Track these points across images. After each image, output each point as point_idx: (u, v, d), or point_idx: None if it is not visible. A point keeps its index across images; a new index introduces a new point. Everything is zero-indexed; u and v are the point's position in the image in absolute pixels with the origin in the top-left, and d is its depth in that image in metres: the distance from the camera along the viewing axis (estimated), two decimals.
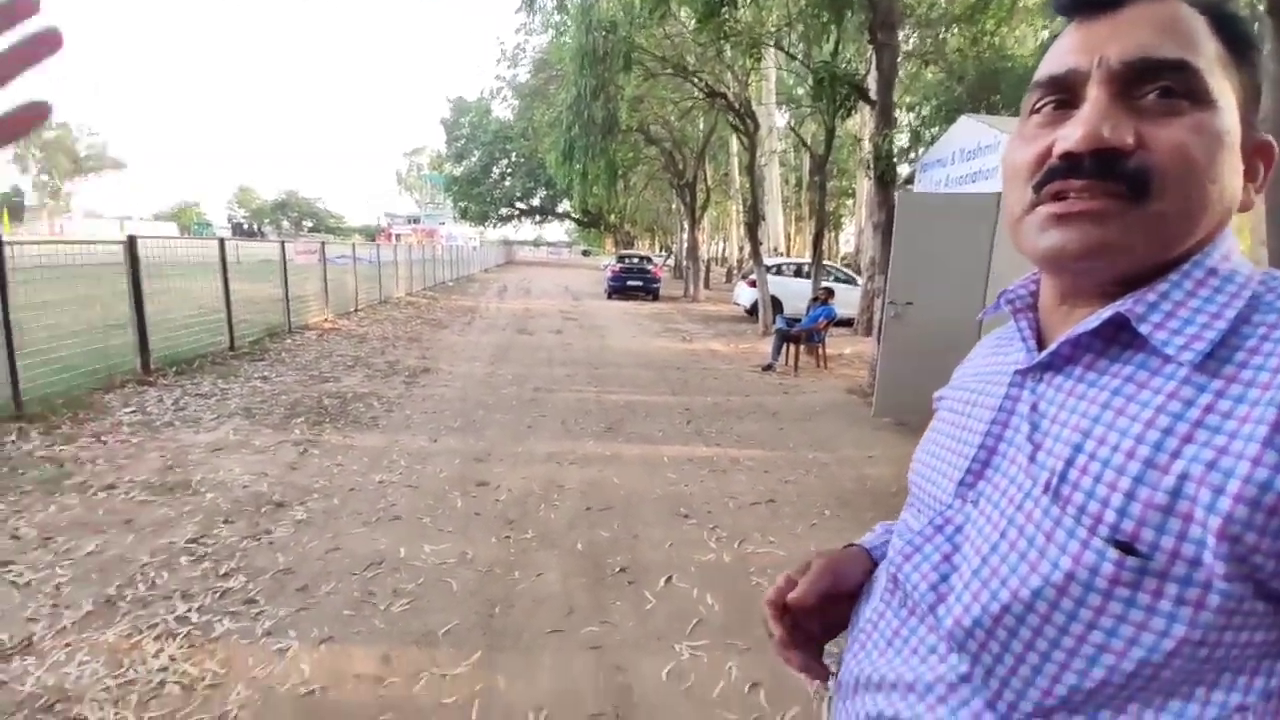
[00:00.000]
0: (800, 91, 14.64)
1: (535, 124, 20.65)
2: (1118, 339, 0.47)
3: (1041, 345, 0.53)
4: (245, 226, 63.20)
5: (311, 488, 3.54)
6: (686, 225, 20.14)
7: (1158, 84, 0.45)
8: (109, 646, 2.13)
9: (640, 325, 12.15)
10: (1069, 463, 0.46)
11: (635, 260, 19.10)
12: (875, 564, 0.67)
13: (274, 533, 2.99)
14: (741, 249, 24.06)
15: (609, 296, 17.85)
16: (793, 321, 8.47)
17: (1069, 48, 0.48)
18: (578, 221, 39.07)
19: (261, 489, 3.49)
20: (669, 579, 2.73)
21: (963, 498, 0.53)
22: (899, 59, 7.51)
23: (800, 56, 9.44)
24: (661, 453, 4.46)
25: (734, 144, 18.42)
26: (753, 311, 12.44)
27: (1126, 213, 0.45)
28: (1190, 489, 0.41)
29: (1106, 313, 0.47)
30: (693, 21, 8.70)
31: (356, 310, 11.50)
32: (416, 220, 58.86)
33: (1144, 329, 0.45)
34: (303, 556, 2.79)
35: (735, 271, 24.19)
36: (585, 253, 65.29)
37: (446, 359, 7.71)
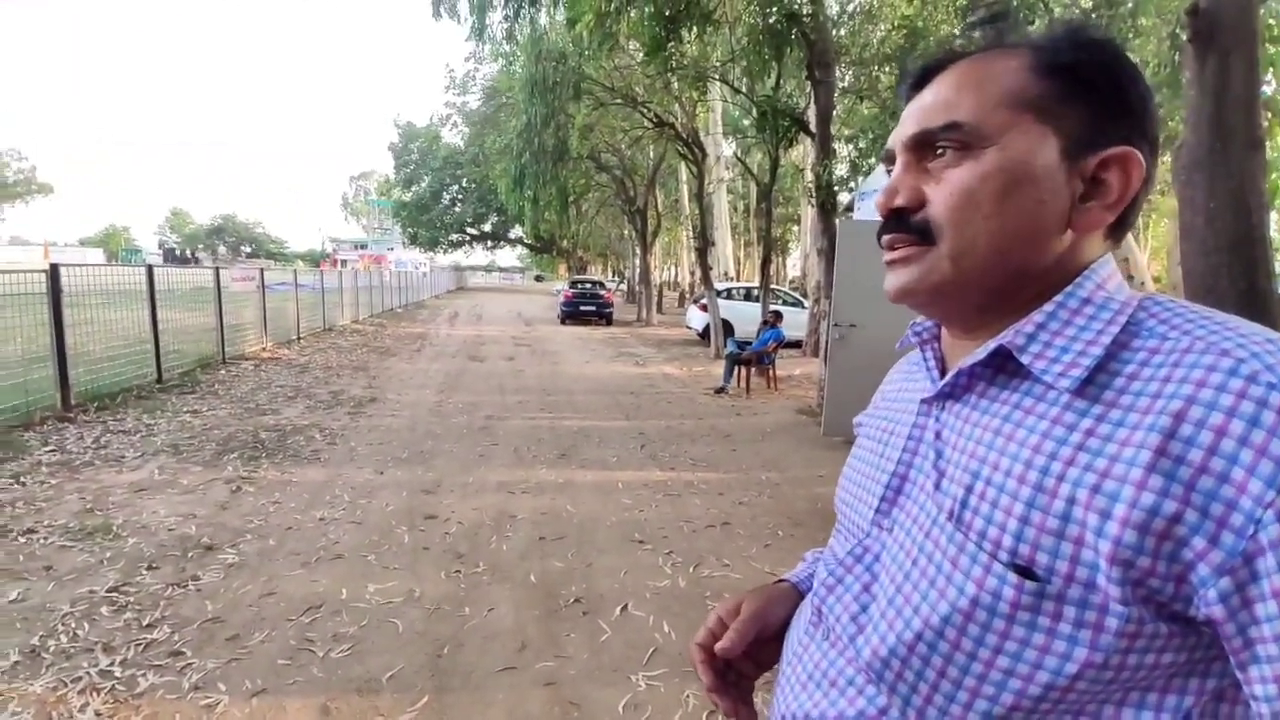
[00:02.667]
0: (745, 123, 15.15)
1: (486, 150, 20.63)
2: (1005, 368, 0.50)
3: (944, 375, 0.56)
4: (178, 252, 60.34)
5: (244, 528, 3.35)
6: (638, 251, 20.37)
7: (938, 146, 0.52)
8: (37, 698, 2.00)
9: (594, 350, 12.13)
10: (969, 489, 0.48)
11: (588, 285, 19.16)
12: (803, 597, 0.67)
13: (202, 579, 2.80)
14: (693, 274, 24.45)
15: (562, 322, 17.80)
16: (743, 344, 8.63)
17: (898, 128, 0.56)
18: (530, 247, 38.99)
19: (189, 531, 3.28)
20: (624, 607, 2.69)
21: (879, 525, 0.55)
22: (836, 94, 7.89)
23: (744, 90, 9.79)
24: (615, 478, 4.43)
25: (683, 172, 18.83)
26: (705, 335, 12.61)
27: (922, 256, 0.52)
28: (1078, 513, 0.42)
29: (992, 344, 0.50)
30: (641, 54, 8.93)
31: (299, 339, 11.09)
32: (363, 246, 57.46)
33: (1025, 359, 0.48)
34: (234, 603, 2.62)
35: (687, 296, 24.51)
36: (538, 278, 65.03)
37: (394, 388, 7.49)
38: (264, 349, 9.54)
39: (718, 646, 0.64)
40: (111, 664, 2.17)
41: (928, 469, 0.52)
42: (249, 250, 73.36)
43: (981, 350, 0.51)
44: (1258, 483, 0.38)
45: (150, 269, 7.11)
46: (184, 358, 7.56)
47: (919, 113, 0.53)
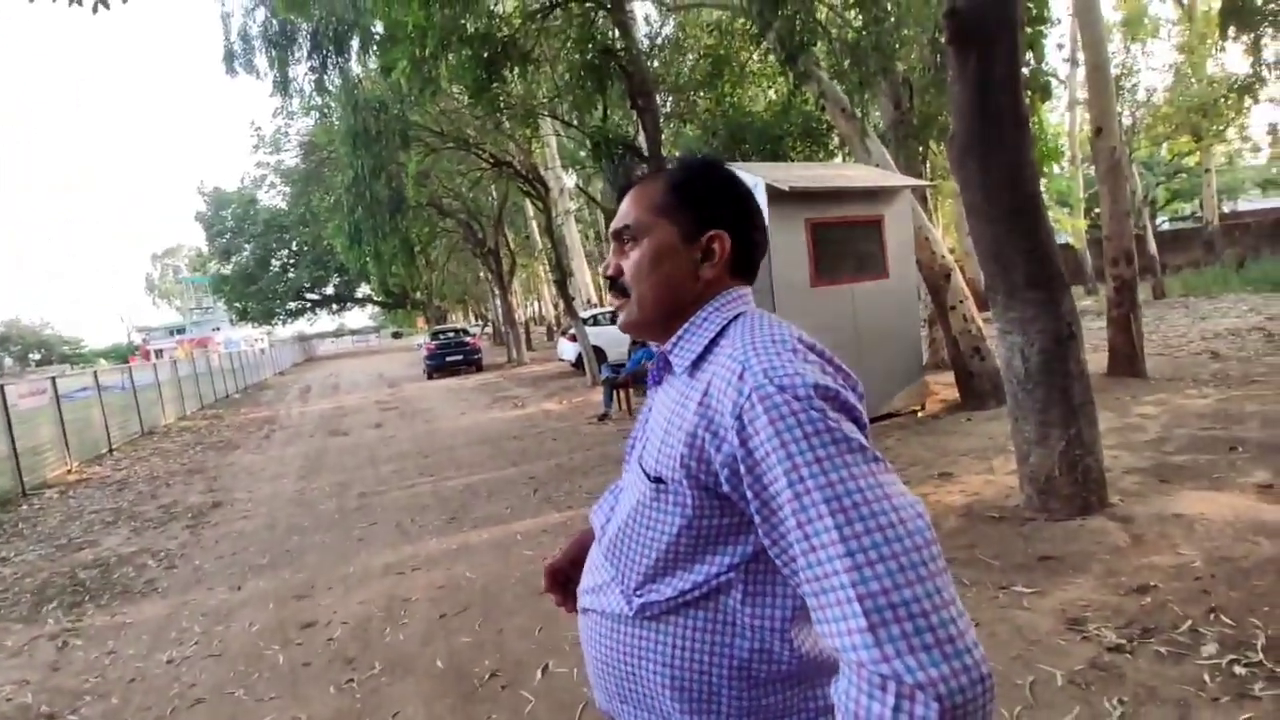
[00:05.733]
0: (582, 154, 15.48)
1: (314, 209, 19.21)
2: (670, 365, 0.82)
3: None
4: None
5: (81, 689, 2.76)
6: (498, 291, 19.96)
7: (624, 237, 0.85)
8: None
9: (468, 400, 11.64)
10: (645, 440, 0.81)
11: (451, 334, 18.47)
12: None
13: None
14: (557, 306, 24.39)
15: (429, 376, 16.97)
16: (618, 368, 8.69)
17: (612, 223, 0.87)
18: (382, 304, 36.76)
19: (25, 700, 2.69)
20: (545, 668, 2.54)
21: (626, 468, 0.88)
22: (661, 120, 8.29)
23: (575, 123, 10.00)
24: (513, 531, 4.22)
25: (529, 208, 18.81)
26: (579, 364, 12.57)
27: (626, 305, 0.85)
28: (673, 443, 0.73)
29: (661, 351, 0.84)
30: (466, 97, 8.82)
31: (111, 451, 9.54)
32: (181, 330, 51.14)
33: (671, 357, 0.82)
34: None
35: (555, 329, 24.39)
36: (396, 335, 61.54)
37: (243, 485, 6.64)
38: (69, 470, 8.07)
39: (546, 562, 1.03)
40: None
41: (640, 430, 0.85)
42: (38, 358, 62.05)
43: (661, 355, 0.84)
44: (729, 417, 0.67)
45: None
46: None
47: (618, 215, 0.86)
